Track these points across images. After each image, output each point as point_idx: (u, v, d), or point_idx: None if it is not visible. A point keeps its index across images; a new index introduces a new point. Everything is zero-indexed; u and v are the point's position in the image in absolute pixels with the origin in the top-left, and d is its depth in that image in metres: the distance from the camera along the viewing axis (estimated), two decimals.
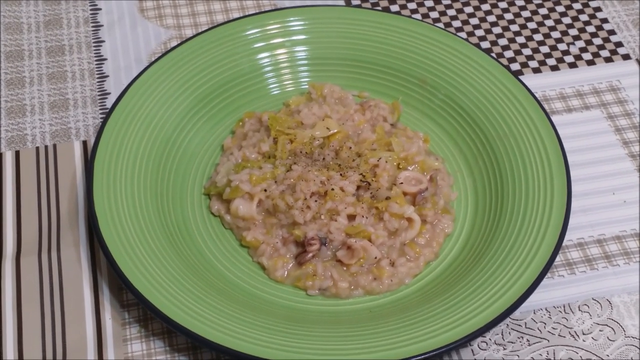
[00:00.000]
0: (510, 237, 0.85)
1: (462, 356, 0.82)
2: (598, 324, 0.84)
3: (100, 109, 1.01)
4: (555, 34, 1.11)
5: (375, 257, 0.85)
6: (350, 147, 0.91)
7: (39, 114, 1.01)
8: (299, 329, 0.79)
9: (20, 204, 0.92)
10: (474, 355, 0.82)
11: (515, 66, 1.07)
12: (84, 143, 0.98)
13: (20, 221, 0.90)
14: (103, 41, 1.09)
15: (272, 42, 1.02)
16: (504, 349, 0.82)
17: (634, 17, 1.13)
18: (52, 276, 0.86)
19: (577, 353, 0.82)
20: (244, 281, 0.86)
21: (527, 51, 1.09)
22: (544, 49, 1.09)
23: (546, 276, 0.84)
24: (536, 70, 1.07)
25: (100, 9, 1.13)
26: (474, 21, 1.13)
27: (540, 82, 1.05)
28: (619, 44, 1.10)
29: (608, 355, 0.82)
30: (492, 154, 0.93)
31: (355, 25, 1.03)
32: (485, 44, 1.10)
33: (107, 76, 1.05)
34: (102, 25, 1.11)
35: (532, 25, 1.12)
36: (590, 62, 1.08)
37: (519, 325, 0.84)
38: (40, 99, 1.02)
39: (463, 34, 1.11)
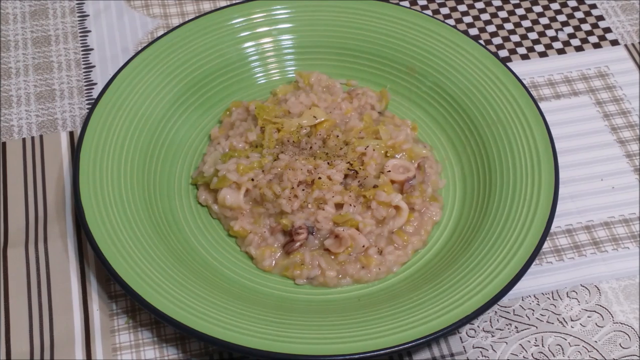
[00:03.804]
0: (498, 224, 0.85)
1: (450, 343, 0.82)
2: (586, 310, 0.84)
3: (87, 100, 1.01)
4: (544, 20, 1.11)
5: (363, 246, 0.85)
6: (338, 136, 0.91)
7: (25, 105, 1.00)
8: (287, 318, 0.79)
9: (7, 195, 0.92)
10: (462, 342, 0.82)
11: (503, 53, 1.07)
12: (71, 134, 0.97)
13: (7, 213, 0.90)
14: (89, 31, 1.09)
15: (258, 30, 1.01)
16: (492, 336, 0.82)
17: (623, 2, 1.13)
18: (39, 268, 0.86)
19: (565, 339, 0.82)
20: (231, 271, 0.86)
21: (515, 38, 1.09)
22: (532, 36, 1.09)
23: (534, 263, 0.85)
24: (524, 57, 1.06)
25: None
26: (462, 8, 1.12)
27: (529, 69, 1.05)
28: (607, 30, 1.09)
29: (596, 342, 0.82)
30: (480, 141, 0.93)
31: (342, 13, 1.02)
32: (473, 31, 1.09)
33: (93, 66, 1.05)
34: (88, 15, 1.11)
35: (520, 11, 1.12)
36: (578, 48, 1.07)
37: (507, 312, 0.84)
38: (26, 89, 1.02)
39: (451, 21, 1.11)
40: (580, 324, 0.83)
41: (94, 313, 0.83)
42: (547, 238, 0.87)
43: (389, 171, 0.88)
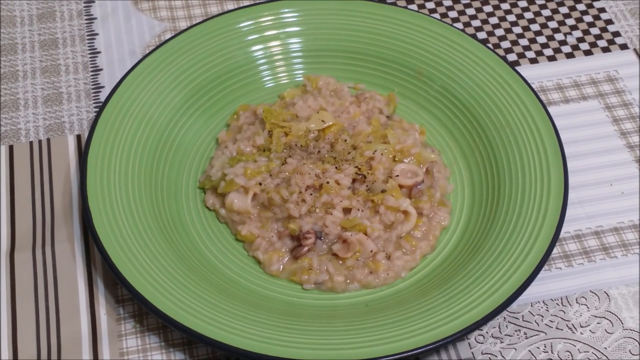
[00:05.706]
0: (507, 229, 0.84)
1: (458, 349, 0.81)
2: (596, 317, 0.83)
3: (94, 103, 1.01)
4: (552, 24, 1.10)
5: (371, 251, 0.85)
6: (346, 140, 0.91)
7: (33, 108, 1.00)
8: (294, 323, 0.79)
9: (14, 199, 0.91)
10: (470, 348, 0.81)
11: (512, 57, 1.06)
12: (78, 137, 0.97)
13: (14, 216, 0.90)
14: (97, 34, 1.09)
15: (266, 34, 1.01)
16: (501, 342, 0.82)
17: (632, 6, 1.12)
18: (46, 272, 0.85)
19: (574, 346, 0.81)
20: (239, 276, 0.85)
21: (524, 41, 1.08)
22: (541, 39, 1.09)
23: (543, 269, 0.84)
24: (533, 61, 1.06)
25: (93, 2, 1.12)
26: (471, 12, 1.12)
27: (537, 73, 1.04)
28: (616, 34, 1.09)
29: (606, 348, 0.81)
30: (488, 146, 0.93)
31: (351, 16, 1.02)
32: (481, 35, 1.09)
33: (100, 69, 1.04)
34: (95, 18, 1.10)
35: (529, 15, 1.12)
36: (587, 52, 1.07)
37: (516, 318, 0.83)
38: (33, 93, 1.02)
39: (459, 25, 1.10)
40: (590, 330, 0.82)
41: (101, 317, 0.83)
42: (556, 243, 0.86)
43: (397, 176, 0.88)
